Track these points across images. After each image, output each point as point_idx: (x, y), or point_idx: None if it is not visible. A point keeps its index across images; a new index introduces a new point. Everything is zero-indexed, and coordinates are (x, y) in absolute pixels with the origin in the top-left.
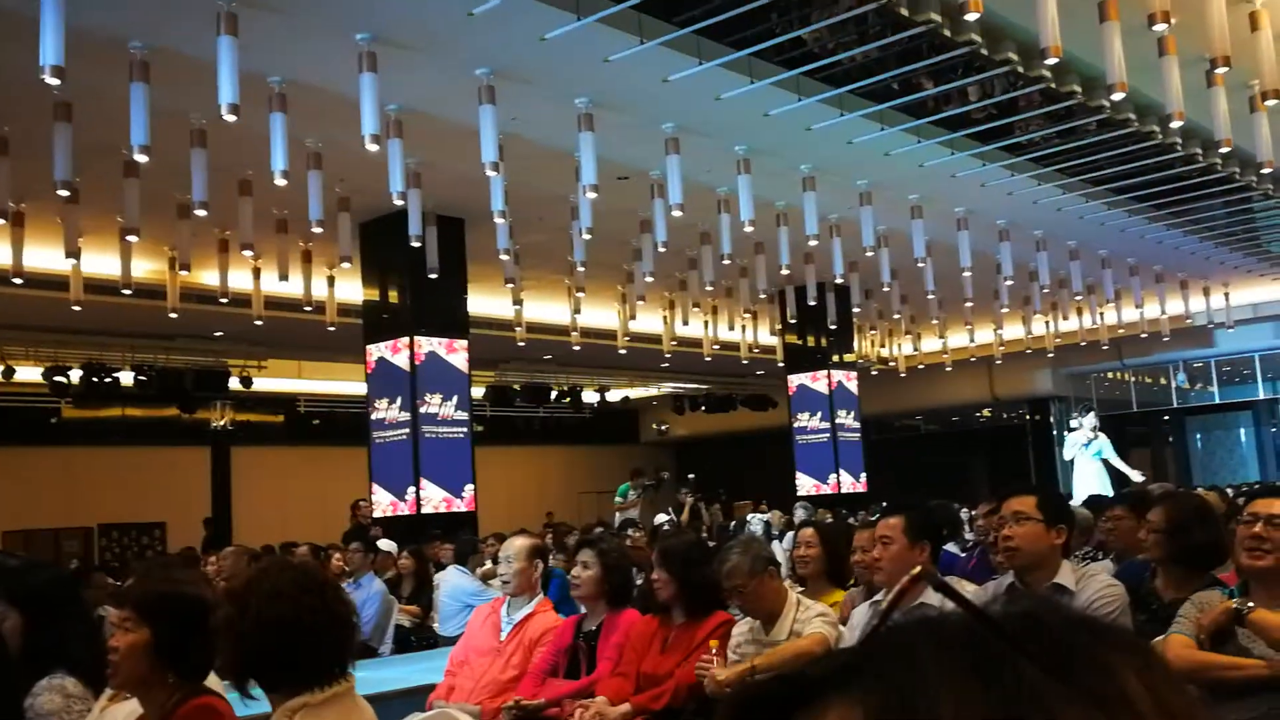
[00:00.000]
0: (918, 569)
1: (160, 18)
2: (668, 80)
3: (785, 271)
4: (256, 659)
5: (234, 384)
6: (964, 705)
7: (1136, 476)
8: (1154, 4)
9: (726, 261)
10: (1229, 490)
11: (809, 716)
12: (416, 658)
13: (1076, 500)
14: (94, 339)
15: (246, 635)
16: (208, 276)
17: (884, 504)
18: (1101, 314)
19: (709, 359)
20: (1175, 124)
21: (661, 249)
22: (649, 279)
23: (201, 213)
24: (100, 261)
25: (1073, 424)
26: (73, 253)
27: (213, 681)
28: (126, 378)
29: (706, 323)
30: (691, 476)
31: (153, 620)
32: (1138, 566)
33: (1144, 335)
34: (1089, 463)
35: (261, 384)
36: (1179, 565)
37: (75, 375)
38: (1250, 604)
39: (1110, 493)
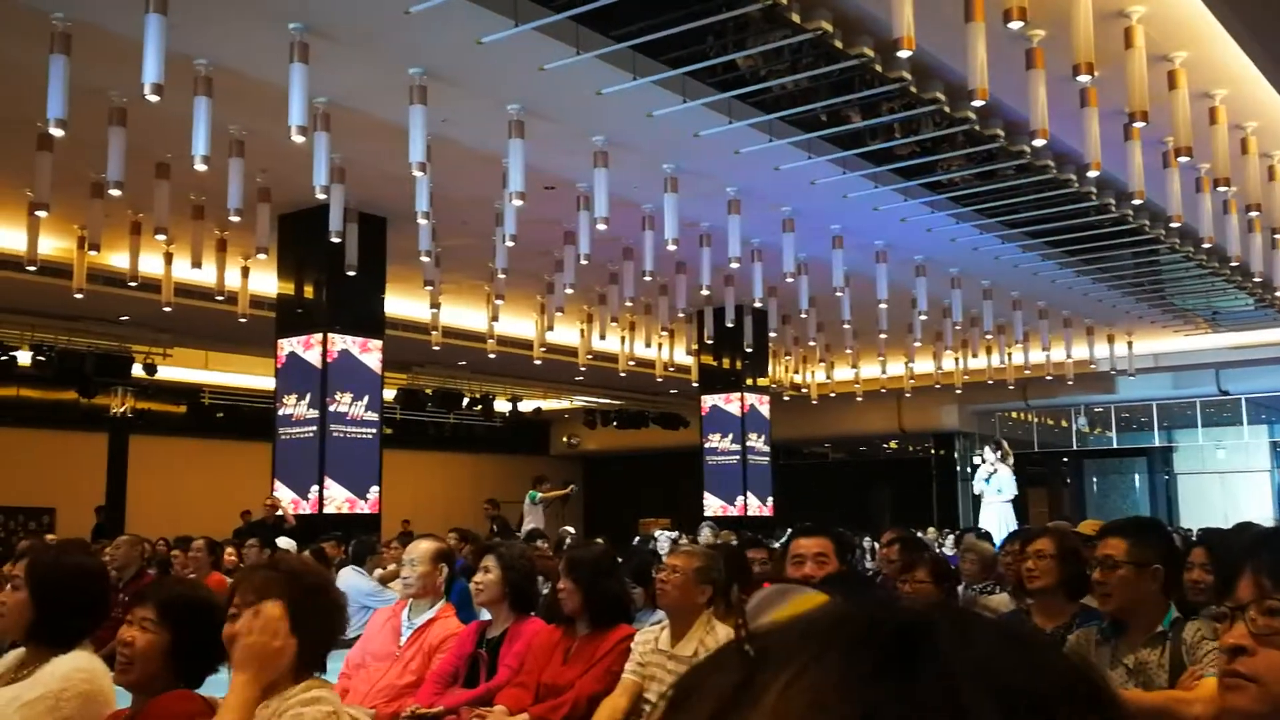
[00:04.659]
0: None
1: None
2: (601, 93)
3: (705, 292)
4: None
5: (137, 370)
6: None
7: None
8: (1079, 56)
9: (648, 278)
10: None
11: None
12: None
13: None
14: None
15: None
16: (117, 259)
17: (807, 524)
18: (1010, 354)
19: (624, 375)
20: (1092, 174)
21: (584, 261)
22: (569, 291)
23: (115, 193)
24: (5, 236)
25: (976, 459)
26: None
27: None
28: (24, 357)
29: (624, 338)
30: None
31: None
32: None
33: (1049, 378)
34: (994, 502)
35: (166, 372)
36: (1059, 593)
37: None
38: None
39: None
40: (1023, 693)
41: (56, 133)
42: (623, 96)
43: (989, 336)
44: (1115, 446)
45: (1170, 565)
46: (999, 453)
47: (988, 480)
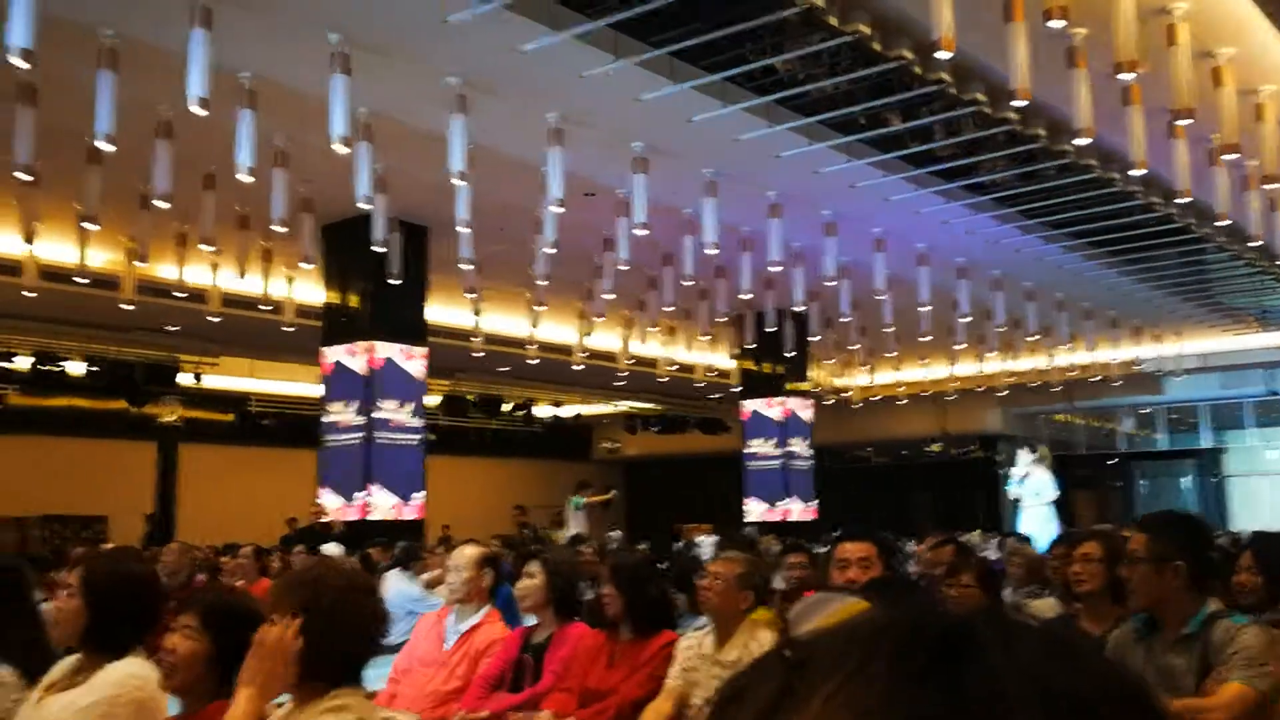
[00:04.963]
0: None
1: (133, 7)
2: (640, 99)
3: (745, 297)
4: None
5: (185, 380)
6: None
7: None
8: (1121, 53)
9: (688, 283)
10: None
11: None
12: None
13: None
14: (45, 326)
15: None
16: (165, 269)
17: (852, 528)
18: (1054, 356)
19: (664, 380)
20: (1136, 172)
21: (623, 267)
22: (609, 296)
23: (163, 205)
24: (56, 249)
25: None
26: (29, 238)
27: None
28: (76, 368)
29: (664, 343)
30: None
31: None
32: None
33: (1095, 379)
34: (1033, 505)
35: (213, 381)
36: (1107, 597)
37: (23, 362)
38: None
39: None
40: (1068, 697)
41: (105, 147)
42: (662, 102)
43: (1033, 339)
44: (1163, 449)
45: (1197, 561)
46: (1034, 455)
47: (1021, 483)
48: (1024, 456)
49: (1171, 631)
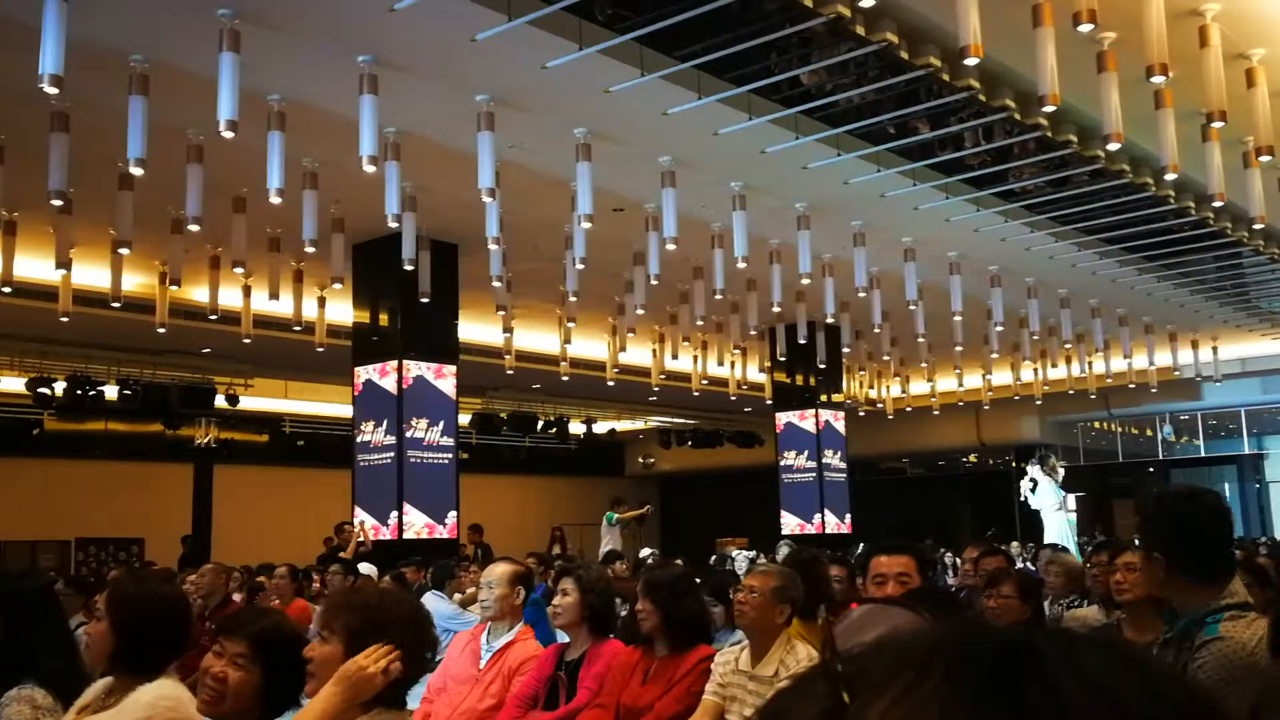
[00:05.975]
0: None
1: (162, 32)
2: (667, 114)
3: (776, 309)
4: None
5: (220, 402)
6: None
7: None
8: (1152, 56)
9: (718, 297)
10: None
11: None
12: None
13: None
14: (80, 351)
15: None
16: (198, 293)
17: (887, 542)
18: (1090, 363)
19: (697, 394)
20: (1169, 176)
21: (654, 282)
22: (640, 311)
23: (194, 228)
24: (90, 274)
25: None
26: (63, 263)
27: None
28: (111, 392)
29: (696, 357)
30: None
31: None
32: None
33: (1132, 386)
34: (1050, 513)
35: (247, 402)
36: (1151, 606)
37: (59, 387)
38: None
39: (1071, 546)
40: (1134, 713)
41: (136, 172)
42: (689, 116)
43: (1068, 346)
44: (1203, 455)
45: (1184, 552)
46: (1041, 466)
47: (1033, 492)
48: (1032, 467)
49: (1149, 632)
